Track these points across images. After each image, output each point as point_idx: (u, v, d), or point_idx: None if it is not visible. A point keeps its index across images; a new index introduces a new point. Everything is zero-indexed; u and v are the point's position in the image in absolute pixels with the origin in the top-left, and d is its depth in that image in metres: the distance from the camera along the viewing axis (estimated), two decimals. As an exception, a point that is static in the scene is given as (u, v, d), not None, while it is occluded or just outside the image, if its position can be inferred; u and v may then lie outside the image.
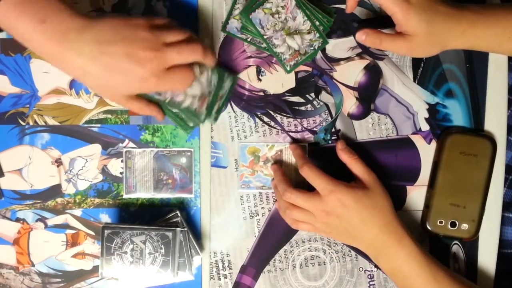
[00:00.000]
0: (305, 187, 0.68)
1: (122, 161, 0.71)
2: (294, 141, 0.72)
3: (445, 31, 0.63)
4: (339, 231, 0.66)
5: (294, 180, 0.71)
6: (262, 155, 0.72)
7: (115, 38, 0.58)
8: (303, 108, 0.72)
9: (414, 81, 0.72)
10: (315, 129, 0.72)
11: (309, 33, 0.69)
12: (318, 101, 0.72)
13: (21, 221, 0.72)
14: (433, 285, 0.64)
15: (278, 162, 0.72)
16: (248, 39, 0.70)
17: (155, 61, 0.58)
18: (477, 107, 0.72)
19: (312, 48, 0.69)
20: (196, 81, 0.64)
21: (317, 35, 0.69)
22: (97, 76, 0.58)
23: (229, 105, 0.72)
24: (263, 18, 0.67)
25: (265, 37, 0.68)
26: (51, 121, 0.71)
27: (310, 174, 0.66)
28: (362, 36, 0.65)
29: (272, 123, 0.72)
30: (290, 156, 0.72)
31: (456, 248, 0.73)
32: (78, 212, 0.72)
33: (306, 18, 0.68)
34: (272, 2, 0.67)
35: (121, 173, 0.72)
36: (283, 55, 0.69)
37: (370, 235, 0.65)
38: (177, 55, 0.60)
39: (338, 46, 0.72)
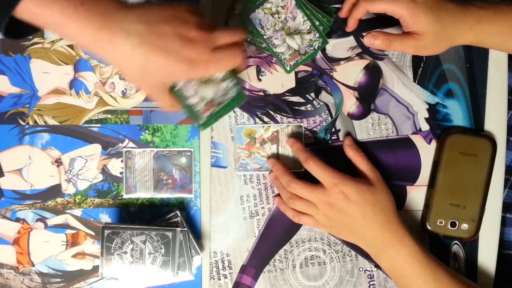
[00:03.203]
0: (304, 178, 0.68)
1: (122, 161, 0.71)
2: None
3: (452, 28, 0.63)
4: (340, 225, 0.66)
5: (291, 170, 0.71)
6: (258, 137, 0.72)
7: (160, 18, 0.53)
8: (303, 108, 0.72)
9: (414, 81, 0.72)
10: (315, 129, 0.72)
11: (309, 33, 0.69)
12: (318, 101, 0.72)
13: (21, 221, 0.72)
14: (433, 284, 0.64)
15: (274, 156, 0.72)
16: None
17: (204, 41, 0.54)
18: (477, 107, 0.72)
19: (312, 48, 0.69)
20: (215, 84, 0.60)
21: (317, 35, 0.68)
22: (145, 58, 0.52)
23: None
24: (263, 18, 0.67)
25: (265, 37, 0.68)
26: (51, 121, 0.71)
27: (315, 168, 0.66)
28: (371, 39, 0.65)
29: (272, 123, 0.72)
30: (286, 138, 0.72)
31: (456, 248, 0.73)
32: (78, 212, 0.72)
33: (306, 18, 0.68)
34: (272, 2, 0.67)
35: (121, 173, 0.72)
36: (283, 55, 0.69)
37: (371, 232, 0.65)
38: (223, 35, 0.56)
39: (338, 46, 0.72)
